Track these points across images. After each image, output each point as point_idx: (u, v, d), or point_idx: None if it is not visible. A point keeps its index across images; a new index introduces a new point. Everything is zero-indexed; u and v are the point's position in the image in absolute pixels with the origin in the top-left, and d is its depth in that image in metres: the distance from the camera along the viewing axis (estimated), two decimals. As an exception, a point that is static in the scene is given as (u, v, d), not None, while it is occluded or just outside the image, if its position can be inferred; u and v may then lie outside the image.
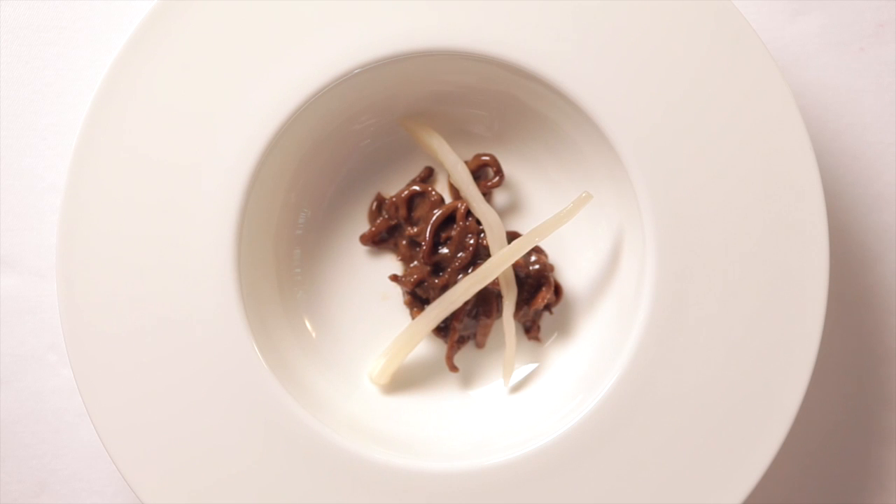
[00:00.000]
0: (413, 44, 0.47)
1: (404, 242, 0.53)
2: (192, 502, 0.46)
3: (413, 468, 0.47)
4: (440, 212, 0.52)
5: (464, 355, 0.53)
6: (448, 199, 0.53)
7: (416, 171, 0.53)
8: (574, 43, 0.47)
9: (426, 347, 0.53)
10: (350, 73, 0.47)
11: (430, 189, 0.52)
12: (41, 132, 0.54)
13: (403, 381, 0.52)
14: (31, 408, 0.54)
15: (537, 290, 0.52)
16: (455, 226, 0.52)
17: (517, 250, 0.50)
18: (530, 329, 0.53)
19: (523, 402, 0.52)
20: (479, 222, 0.52)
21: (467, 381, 0.53)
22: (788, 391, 0.46)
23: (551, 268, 0.52)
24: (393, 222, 0.53)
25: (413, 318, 0.52)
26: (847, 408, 0.54)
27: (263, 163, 0.47)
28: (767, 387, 0.46)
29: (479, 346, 0.53)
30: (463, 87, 0.51)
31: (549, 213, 0.51)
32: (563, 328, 0.52)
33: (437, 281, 0.51)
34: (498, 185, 0.52)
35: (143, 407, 0.46)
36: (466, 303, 0.51)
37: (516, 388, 0.52)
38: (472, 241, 0.51)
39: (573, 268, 0.53)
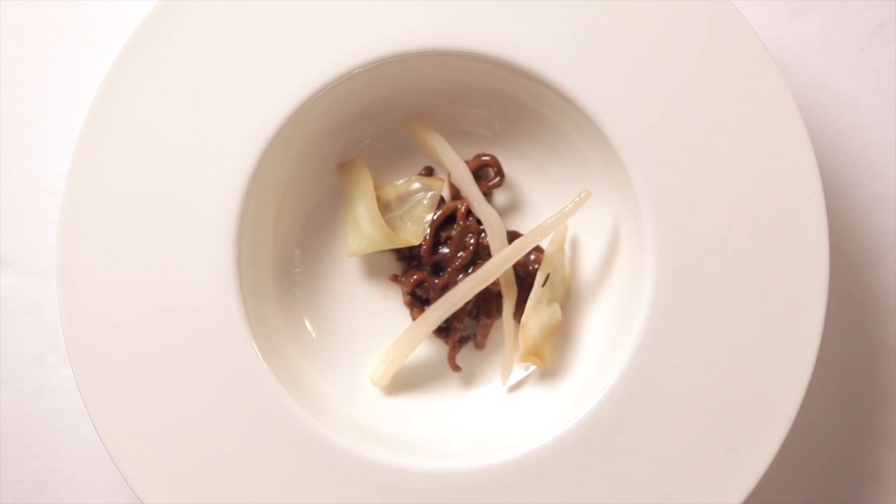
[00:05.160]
0: (413, 44, 0.47)
1: (404, 242, 0.53)
2: (192, 502, 0.46)
3: (413, 468, 0.47)
4: (440, 212, 0.52)
5: (464, 355, 0.53)
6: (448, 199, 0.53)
7: (416, 170, 0.53)
8: (574, 43, 0.47)
9: (426, 348, 0.53)
10: (350, 73, 0.47)
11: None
12: (41, 132, 0.54)
13: (403, 381, 0.52)
14: (31, 408, 0.54)
15: (537, 289, 0.52)
16: (455, 225, 0.52)
17: (518, 250, 0.50)
18: (530, 329, 0.53)
19: (523, 402, 0.52)
20: (479, 222, 0.52)
21: (467, 382, 0.53)
22: (788, 391, 0.46)
23: (551, 268, 0.53)
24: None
25: (413, 318, 0.52)
26: (847, 408, 0.54)
27: (263, 163, 0.47)
28: (767, 386, 0.46)
29: (479, 346, 0.53)
30: (463, 87, 0.51)
31: (549, 212, 0.51)
32: (563, 328, 0.52)
33: (437, 281, 0.51)
34: (499, 185, 0.52)
35: (142, 407, 0.46)
36: (467, 303, 0.51)
37: (516, 387, 0.52)
38: (472, 241, 0.51)
39: (573, 267, 0.53)
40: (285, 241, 0.52)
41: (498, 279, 0.51)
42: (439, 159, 0.52)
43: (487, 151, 0.53)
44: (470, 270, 0.51)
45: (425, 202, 0.52)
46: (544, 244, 0.53)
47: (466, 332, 0.52)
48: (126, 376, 0.46)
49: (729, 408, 0.46)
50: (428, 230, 0.52)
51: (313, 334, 0.52)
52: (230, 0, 0.47)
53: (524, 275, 0.52)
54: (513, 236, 0.52)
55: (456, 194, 0.53)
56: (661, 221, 0.47)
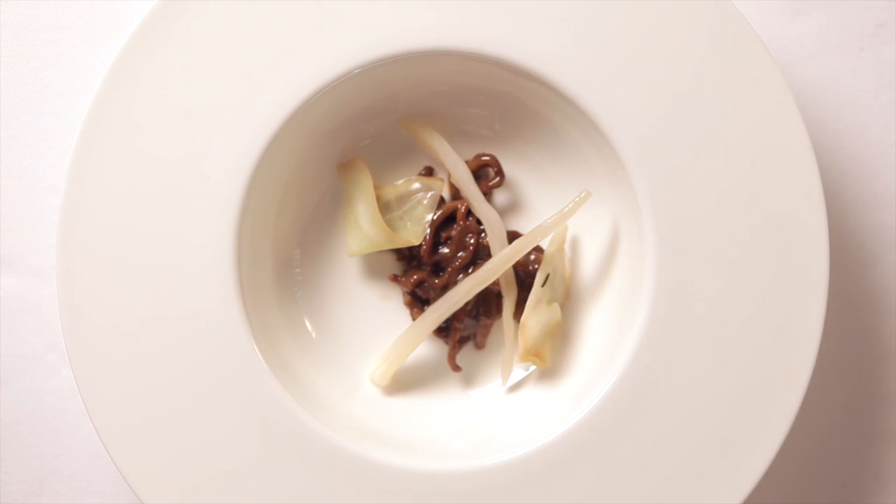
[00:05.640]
0: (413, 44, 0.47)
1: (404, 242, 0.53)
2: (191, 502, 0.46)
3: (413, 468, 0.47)
4: (440, 212, 0.52)
5: (464, 355, 0.53)
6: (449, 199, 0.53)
7: (416, 170, 0.53)
8: (574, 43, 0.47)
9: (426, 348, 0.53)
10: (350, 73, 0.47)
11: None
12: (41, 132, 0.54)
13: (403, 381, 0.52)
14: (31, 408, 0.54)
15: (537, 290, 0.52)
16: (455, 225, 0.52)
17: (518, 250, 0.50)
18: (530, 329, 0.53)
19: (523, 402, 0.52)
20: (479, 222, 0.52)
21: (467, 382, 0.53)
22: (788, 391, 0.46)
23: (551, 268, 0.53)
24: (393, 222, 0.53)
25: (413, 318, 0.52)
26: (847, 408, 0.54)
27: (263, 163, 0.47)
28: (767, 386, 0.46)
29: (479, 346, 0.53)
30: (463, 87, 0.51)
31: (549, 212, 0.51)
32: (563, 328, 0.52)
33: (437, 281, 0.51)
34: (499, 185, 0.52)
35: (142, 407, 0.46)
36: (467, 303, 0.51)
37: (516, 387, 0.52)
38: (472, 241, 0.52)
39: (573, 267, 0.53)
40: (285, 241, 0.52)
41: (498, 279, 0.51)
42: (439, 159, 0.52)
43: (487, 151, 0.53)
44: (470, 270, 0.51)
45: (425, 202, 0.52)
46: (544, 244, 0.53)
47: (466, 332, 0.52)
48: (126, 376, 0.46)
49: (729, 408, 0.46)
50: (428, 230, 0.52)
51: (313, 334, 0.52)
52: (230, 0, 0.47)
53: (524, 275, 0.52)
54: (513, 236, 0.52)
55: (456, 194, 0.53)
56: (661, 221, 0.47)
